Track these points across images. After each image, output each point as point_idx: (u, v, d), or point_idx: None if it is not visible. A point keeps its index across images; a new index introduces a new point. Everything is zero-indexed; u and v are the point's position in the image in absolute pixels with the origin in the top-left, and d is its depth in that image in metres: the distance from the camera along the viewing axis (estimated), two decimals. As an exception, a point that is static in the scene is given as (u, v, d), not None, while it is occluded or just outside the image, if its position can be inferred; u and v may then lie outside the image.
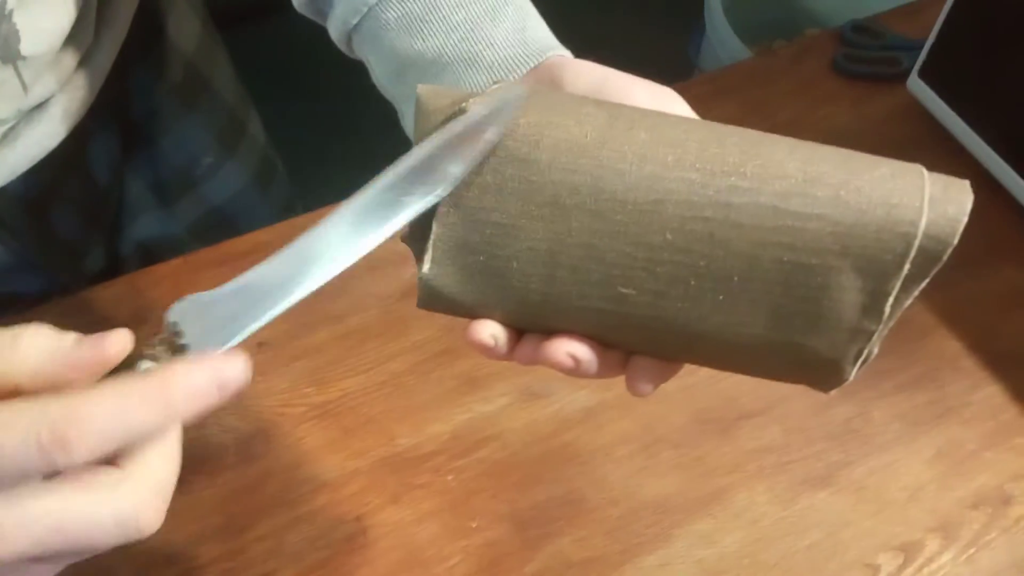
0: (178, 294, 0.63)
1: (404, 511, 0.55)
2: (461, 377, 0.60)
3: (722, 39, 1.25)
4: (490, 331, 0.34)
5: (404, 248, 0.68)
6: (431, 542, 0.54)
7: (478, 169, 0.32)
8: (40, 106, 0.52)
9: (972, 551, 0.56)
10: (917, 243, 0.30)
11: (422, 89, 0.33)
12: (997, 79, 0.69)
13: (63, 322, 0.60)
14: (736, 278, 0.31)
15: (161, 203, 0.69)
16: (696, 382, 0.61)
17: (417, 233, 0.34)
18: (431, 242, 0.33)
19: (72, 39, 0.51)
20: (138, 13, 0.58)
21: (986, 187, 0.70)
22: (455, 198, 0.32)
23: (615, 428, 0.59)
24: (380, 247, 0.70)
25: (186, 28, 0.66)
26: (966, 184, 0.31)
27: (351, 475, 0.56)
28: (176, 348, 0.30)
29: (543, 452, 0.58)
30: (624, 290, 0.32)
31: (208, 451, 0.56)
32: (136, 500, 0.27)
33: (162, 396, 0.26)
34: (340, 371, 0.60)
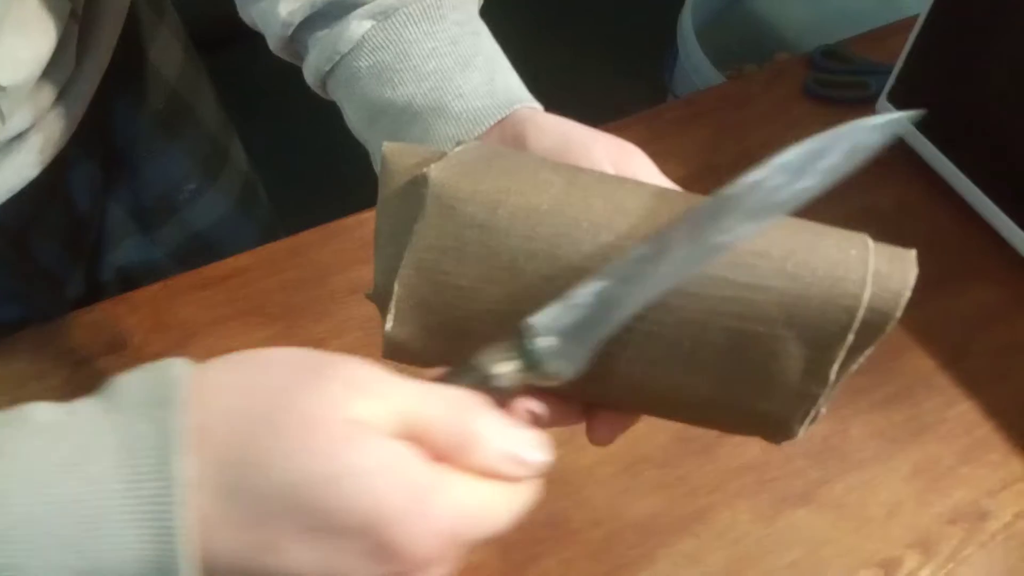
0: (157, 320, 0.63)
1: (388, 535, 0.55)
2: (444, 400, 0.60)
3: (695, 64, 1.27)
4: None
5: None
6: (416, 566, 0.54)
7: (439, 233, 0.33)
8: (19, 136, 0.52)
9: (951, 566, 0.57)
10: (860, 315, 0.31)
11: (388, 148, 0.34)
12: (965, 102, 0.71)
13: (42, 350, 0.60)
14: (687, 343, 0.32)
15: (142, 229, 0.69)
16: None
17: (381, 291, 0.35)
18: (393, 301, 0.34)
19: (52, 68, 0.51)
20: (120, 41, 0.59)
21: (956, 208, 0.72)
22: (417, 261, 0.33)
23: (597, 448, 0.59)
24: (364, 269, 0.70)
25: (168, 55, 0.66)
26: (911, 255, 0.32)
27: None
28: (528, 356, 0.31)
29: (526, 474, 0.58)
30: None
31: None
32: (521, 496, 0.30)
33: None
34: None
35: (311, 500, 0.25)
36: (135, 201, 0.68)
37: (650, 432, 0.60)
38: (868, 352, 0.32)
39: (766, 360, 0.32)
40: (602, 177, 0.34)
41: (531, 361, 0.31)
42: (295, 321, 0.64)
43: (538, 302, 0.32)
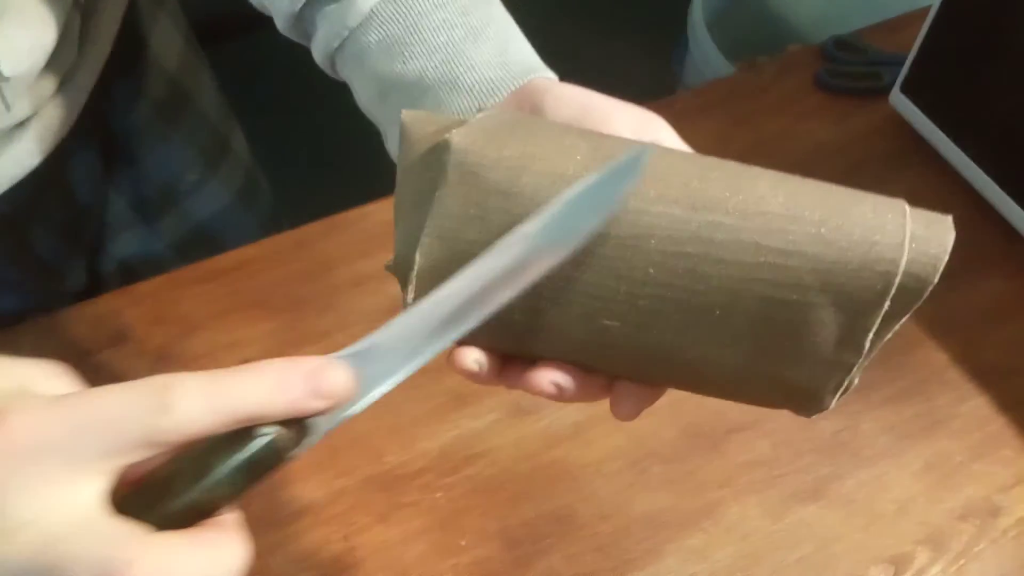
0: (160, 313, 0.63)
1: (392, 530, 0.54)
2: (449, 393, 0.60)
3: (706, 55, 1.25)
4: (474, 357, 0.34)
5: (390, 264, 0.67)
6: (420, 561, 0.53)
7: (462, 201, 0.32)
8: (20, 124, 0.52)
9: (962, 563, 0.56)
10: (897, 281, 0.30)
11: (407, 115, 0.33)
12: (978, 92, 0.70)
13: (44, 342, 0.60)
14: (718, 312, 0.31)
15: (144, 220, 0.68)
16: (685, 396, 0.60)
17: (401, 262, 0.34)
18: (414, 272, 0.33)
19: (54, 57, 0.51)
20: (121, 31, 0.58)
21: (969, 200, 0.71)
22: (439, 229, 0.32)
23: (605, 443, 0.59)
24: (368, 262, 0.70)
25: (169, 45, 0.66)
26: (948, 220, 0.31)
27: (338, 494, 0.55)
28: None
29: (532, 468, 0.57)
30: (606, 322, 0.32)
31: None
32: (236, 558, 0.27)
33: (261, 376, 0.27)
34: (326, 389, 0.60)
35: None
36: (136, 192, 0.67)
37: (658, 427, 0.60)
38: (904, 320, 0.31)
39: (799, 328, 0.31)
40: (626, 142, 0.33)
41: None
42: (299, 314, 0.63)
43: (564, 271, 0.31)
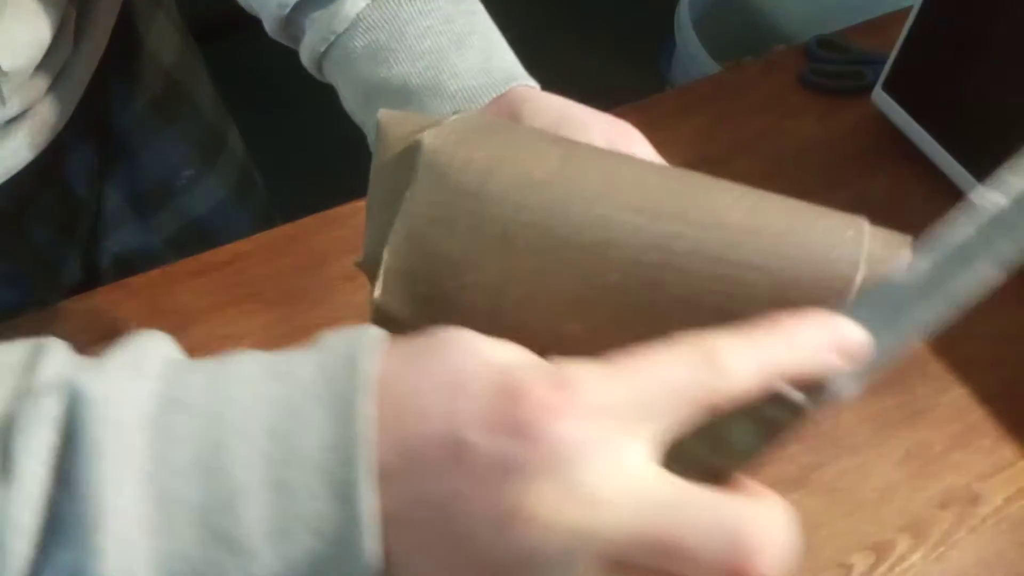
0: (155, 306, 0.63)
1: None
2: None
3: (692, 55, 1.27)
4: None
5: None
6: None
7: (431, 201, 0.32)
8: (16, 119, 0.52)
9: (941, 550, 0.57)
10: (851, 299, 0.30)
11: (383, 115, 0.34)
12: (960, 91, 0.71)
13: (39, 335, 0.60)
14: (676, 322, 0.31)
15: (139, 215, 0.69)
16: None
17: (371, 259, 0.34)
18: (382, 269, 0.33)
19: (49, 52, 0.51)
20: (117, 26, 0.59)
21: (950, 197, 0.72)
22: (407, 229, 0.32)
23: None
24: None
25: (165, 41, 0.66)
26: (907, 240, 0.31)
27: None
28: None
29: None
30: (568, 325, 0.32)
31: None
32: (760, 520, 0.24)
33: (796, 333, 0.26)
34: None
35: None
36: (132, 187, 0.68)
37: (645, 417, 0.60)
38: None
39: None
40: (599, 152, 0.34)
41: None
42: (293, 307, 0.64)
43: (528, 275, 0.32)
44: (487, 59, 0.41)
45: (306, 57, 0.44)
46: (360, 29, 0.41)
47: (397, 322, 0.34)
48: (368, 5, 0.41)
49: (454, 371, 0.25)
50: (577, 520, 0.23)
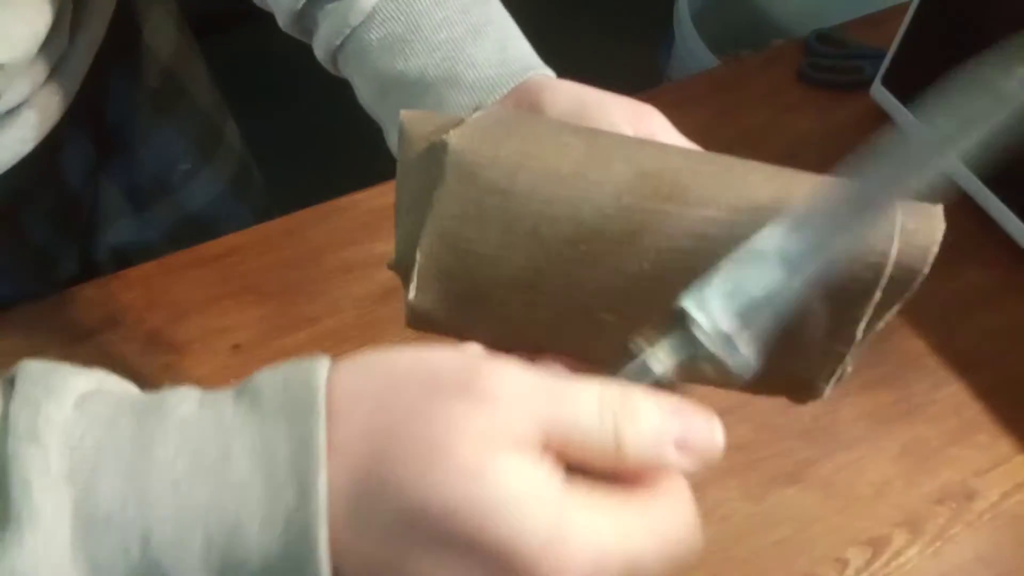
0: (152, 298, 0.63)
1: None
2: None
3: (691, 49, 1.26)
4: (474, 352, 0.35)
5: (380, 251, 0.68)
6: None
7: (460, 200, 0.32)
8: (12, 111, 0.52)
9: (937, 545, 0.57)
10: (887, 272, 0.31)
11: (405, 115, 0.34)
12: (957, 87, 0.71)
13: (36, 326, 0.61)
14: None
15: (136, 209, 0.69)
16: (668, 382, 0.62)
17: (402, 260, 0.35)
18: (415, 270, 0.34)
19: (45, 45, 0.51)
20: (114, 19, 0.58)
21: (946, 190, 0.72)
22: (438, 228, 0.33)
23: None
24: (357, 249, 0.70)
25: (163, 34, 0.66)
26: (938, 211, 0.32)
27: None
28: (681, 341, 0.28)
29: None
30: (602, 315, 0.33)
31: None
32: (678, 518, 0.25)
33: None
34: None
35: (445, 525, 0.24)
36: (129, 180, 0.68)
37: (641, 411, 0.60)
38: (896, 309, 0.32)
39: (791, 320, 0.31)
40: (623, 139, 0.34)
41: (705, 356, 0.27)
42: (289, 300, 0.64)
43: (561, 267, 0.32)
44: (503, 49, 0.41)
45: (320, 50, 0.44)
46: (376, 21, 0.41)
47: (433, 321, 0.35)
48: None
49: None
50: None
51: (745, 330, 0.28)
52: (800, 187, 0.32)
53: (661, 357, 0.27)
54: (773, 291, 0.28)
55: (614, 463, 0.25)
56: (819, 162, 0.78)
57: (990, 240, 0.70)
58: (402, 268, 0.35)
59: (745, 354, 0.28)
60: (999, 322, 0.67)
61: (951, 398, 0.63)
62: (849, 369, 0.34)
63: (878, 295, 0.31)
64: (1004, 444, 0.61)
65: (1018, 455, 0.61)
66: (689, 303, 0.28)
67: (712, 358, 0.27)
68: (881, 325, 0.33)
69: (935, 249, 0.31)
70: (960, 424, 0.62)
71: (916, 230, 0.31)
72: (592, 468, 0.25)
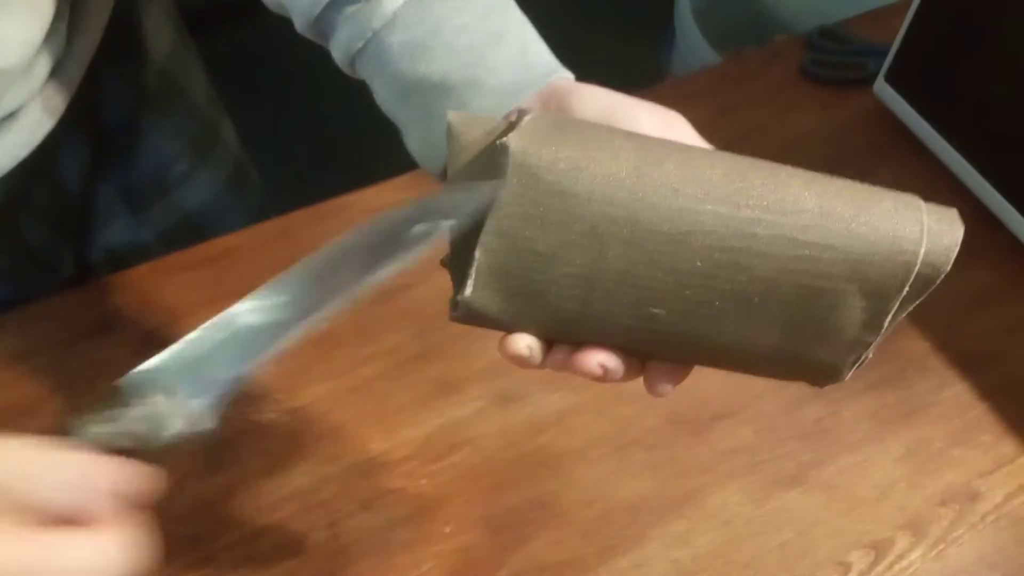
0: (146, 300, 0.63)
1: (376, 517, 0.55)
2: (434, 381, 0.60)
3: (692, 46, 1.26)
4: (526, 343, 0.37)
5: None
6: (404, 548, 0.54)
7: (522, 201, 0.34)
8: (9, 116, 0.52)
9: (941, 547, 0.56)
10: (916, 270, 0.34)
11: (455, 117, 0.36)
12: (961, 83, 0.70)
13: (30, 329, 0.60)
14: (756, 299, 0.35)
15: (132, 210, 0.68)
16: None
17: (459, 258, 0.36)
18: (474, 267, 0.35)
19: (43, 48, 0.51)
20: (111, 21, 0.58)
21: (951, 189, 0.71)
22: (499, 227, 0.35)
23: (589, 430, 0.59)
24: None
25: (159, 35, 0.65)
26: (955, 213, 0.35)
27: (322, 481, 0.56)
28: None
29: (517, 455, 0.58)
30: (654, 310, 0.35)
31: (176, 459, 0.55)
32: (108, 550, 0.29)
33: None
34: (311, 376, 0.60)
35: None
36: (125, 181, 0.67)
37: (641, 414, 0.60)
38: (917, 302, 0.35)
39: (828, 313, 0.35)
40: (668, 143, 0.36)
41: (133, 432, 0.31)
42: (285, 302, 0.63)
43: (617, 265, 0.34)
44: (524, 53, 0.42)
45: (339, 53, 0.44)
46: (398, 26, 0.41)
47: (483, 316, 0.37)
48: (405, 2, 0.41)
49: None
50: None
51: (194, 399, 0.32)
52: (835, 191, 0.35)
53: (95, 430, 0.31)
54: (235, 365, 0.32)
55: (55, 509, 0.28)
56: (822, 158, 0.78)
57: (995, 240, 0.69)
58: (458, 266, 0.37)
59: (182, 427, 0.31)
60: (1003, 322, 0.66)
61: (955, 399, 0.63)
62: (870, 355, 0.37)
63: (906, 290, 0.35)
64: (1008, 445, 0.61)
65: (1022, 456, 0.60)
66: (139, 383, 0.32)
67: (138, 435, 0.31)
68: (903, 315, 0.36)
69: (957, 248, 0.34)
70: (964, 425, 0.62)
71: (940, 232, 0.34)
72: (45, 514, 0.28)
